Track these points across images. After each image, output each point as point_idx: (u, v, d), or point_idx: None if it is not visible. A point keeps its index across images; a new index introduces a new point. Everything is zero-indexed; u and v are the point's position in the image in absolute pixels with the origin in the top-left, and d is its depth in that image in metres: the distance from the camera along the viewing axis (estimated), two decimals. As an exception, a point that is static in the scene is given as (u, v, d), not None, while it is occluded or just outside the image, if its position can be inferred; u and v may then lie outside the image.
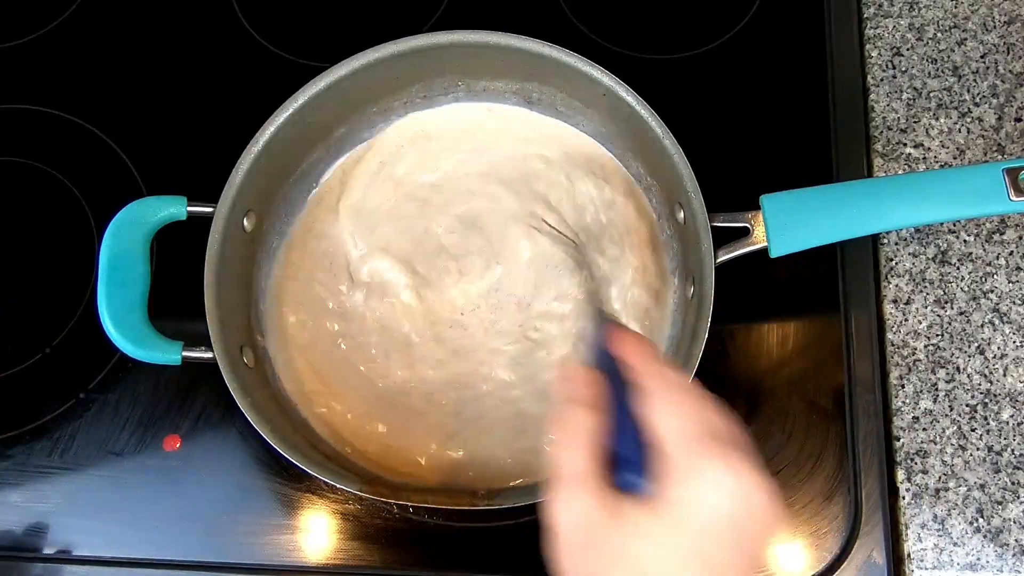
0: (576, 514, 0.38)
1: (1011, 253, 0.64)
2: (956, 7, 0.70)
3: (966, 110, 0.67)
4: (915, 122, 0.67)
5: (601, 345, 0.43)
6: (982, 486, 0.59)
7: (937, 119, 0.67)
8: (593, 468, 0.38)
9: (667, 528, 0.36)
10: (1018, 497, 0.59)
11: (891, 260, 0.64)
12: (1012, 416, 0.60)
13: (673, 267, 0.62)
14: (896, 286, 0.63)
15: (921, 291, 0.63)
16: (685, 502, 0.36)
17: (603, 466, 0.39)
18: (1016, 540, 0.58)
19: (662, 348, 0.60)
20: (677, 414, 0.38)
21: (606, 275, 0.61)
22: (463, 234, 0.63)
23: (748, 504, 0.37)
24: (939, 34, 0.69)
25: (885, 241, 0.65)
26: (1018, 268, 0.63)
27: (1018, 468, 0.59)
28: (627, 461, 0.38)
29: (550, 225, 0.61)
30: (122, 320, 0.55)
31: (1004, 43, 0.69)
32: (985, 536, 0.58)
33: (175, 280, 0.58)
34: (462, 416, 0.60)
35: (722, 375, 0.62)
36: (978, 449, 0.60)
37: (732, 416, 0.40)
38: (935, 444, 0.60)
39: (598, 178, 0.63)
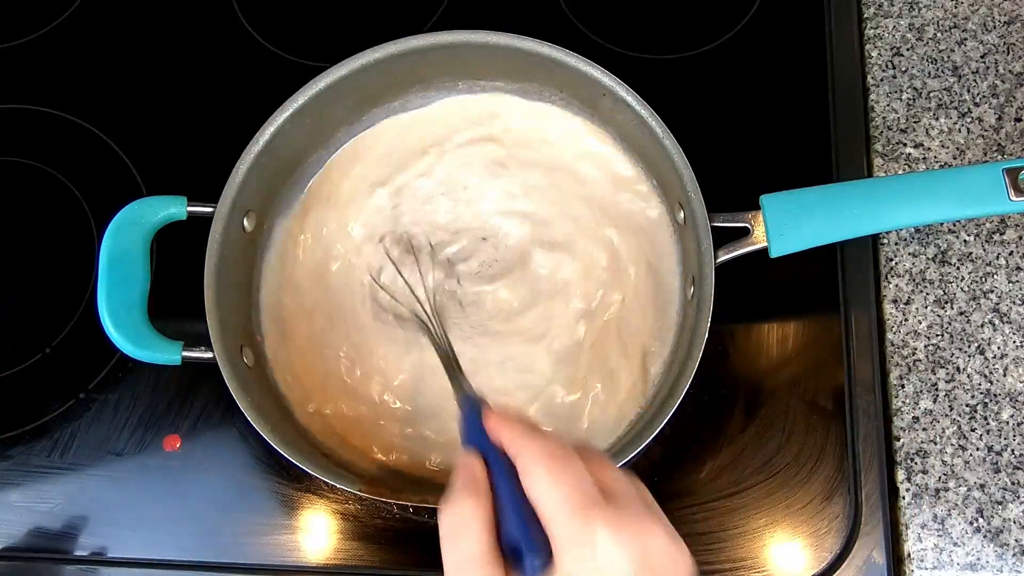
0: None
1: (1011, 253, 0.64)
2: (956, 7, 0.70)
3: (966, 110, 0.67)
4: (915, 122, 0.67)
5: (479, 427, 0.43)
6: (982, 486, 0.59)
7: (937, 119, 0.67)
8: (488, 556, 0.38)
9: None
10: (1018, 497, 0.59)
11: (891, 260, 0.64)
12: (1012, 416, 0.60)
13: (673, 267, 0.62)
14: (896, 286, 0.63)
15: (921, 291, 0.63)
16: (575, 573, 0.36)
17: (495, 551, 0.38)
18: (1016, 540, 0.58)
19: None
20: (554, 485, 0.38)
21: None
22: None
23: (643, 563, 0.36)
24: (939, 34, 0.69)
25: (885, 241, 0.65)
26: (1018, 268, 0.63)
27: (1018, 468, 0.59)
28: (519, 541, 0.38)
29: None
30: (122, 320, 0.55)
31: (1004, 43, 0.69)
32: (985, 536, 0.58)
33: (175, 280, 0.58)
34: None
35: (722, 375, 0.62)
36: (978, 449, 0.60)
37: (622, 473, 0.40)
38: (935, 444, 0.60)
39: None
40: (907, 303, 0.63)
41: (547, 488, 0.38)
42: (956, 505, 0.59)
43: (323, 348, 0.61)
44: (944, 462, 0.60)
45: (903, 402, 0.61)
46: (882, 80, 0.68)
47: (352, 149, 0.65)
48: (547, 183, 0.63)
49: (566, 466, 0.38)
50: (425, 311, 0.57)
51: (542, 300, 0.61)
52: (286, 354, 0.61)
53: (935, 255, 0.64)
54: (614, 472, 0.40)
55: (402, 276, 0.60)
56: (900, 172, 0.66)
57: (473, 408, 0.45)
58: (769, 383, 0.62)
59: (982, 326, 0.62)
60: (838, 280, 0.64)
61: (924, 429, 0.60)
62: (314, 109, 0.60)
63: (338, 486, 0.53)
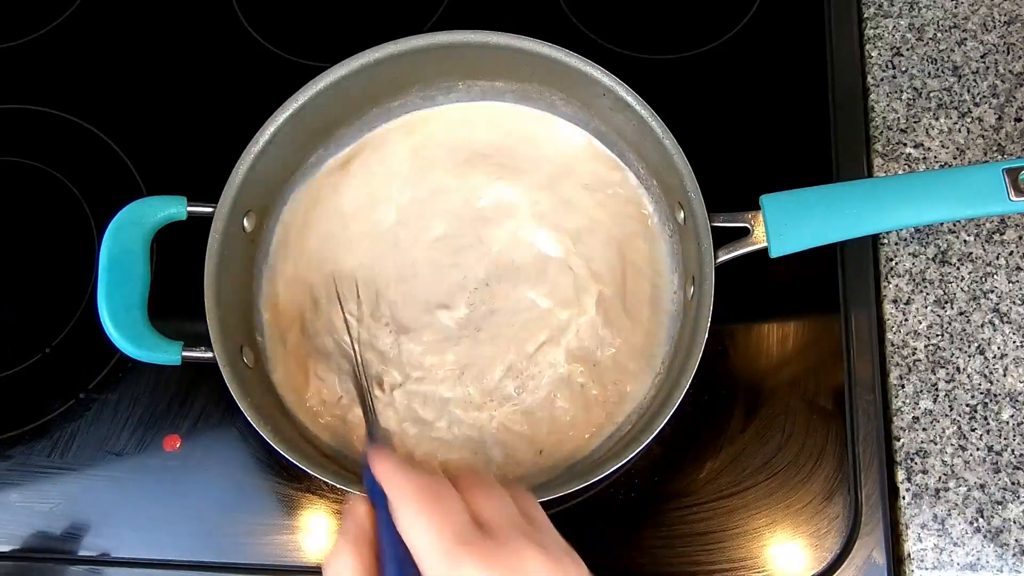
0: None
1: (1011, 253, 0.64)
2: (956, 7, 0.70)
3: (966, 110, 0.67)
4: (915, 122, 0.67)
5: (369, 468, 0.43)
6: (982, 486, 0.59)
7: (937, 119, 0.67)
8: None
9: None
10: (1018, 497, 0.59)
11: (891, 260, 0.64)
12: (1012, 416, 0.60)
13: (673, 267, 0.62)
14: (896, 286, 0.63)
15: (921, 291, 0.63)
16: None
17: None
18: (1016, 540, 0.58)
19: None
20: (423, 524, 0.37)
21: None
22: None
23: None
24: (939, 34, 0.69)
25: (885, 241, 0.65)
26: (1018, 268, 0.63)
27: (1018, 468, 0.59)
28: None
29: None
30: (122, 320, 0.55)
31: (1004, 43, 0.69)
32: (985, 536, 0.58)
33: (175, 280, 0.58)
34: (457, 415, 0.60)
35: (722, 375, 0.62)
36: (978, 449, 0.60)
37: (505, 499, 0.38)
38: (935, 444, 0.60)
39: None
40: (907, 303, 0.63)
41: (415, 527, 0.37)
42: (956, 505, 0.59)
43: (323, 347, 0.61)
44: (944, 462, 0.60)
45: (903, 402, 0.61)
46: (882, 80, 0.68)
47: (354, 149, 0.65)
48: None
49: (436, 503, 0.37)
50: (351, 339, 0.57)
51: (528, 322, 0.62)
52: (287, 354, 0.61)
53: (935, 255, 0.64)
54: (494, 498, 0.38)
55: (340, 304, 0.60)
56: (900, 172, 0.66)
57: (371, 441, 0.45)
58: (769, 383, 0.62)
59: (982, 326, 0.62)
60: (838, 280, 0.64)
61: (924, 429, 0.60)
62: (314, 109, 0.60)
63: (338, 486, 0.53)
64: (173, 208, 0.58)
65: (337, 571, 0.39)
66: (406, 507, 0.38)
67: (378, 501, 0.40)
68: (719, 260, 0.56)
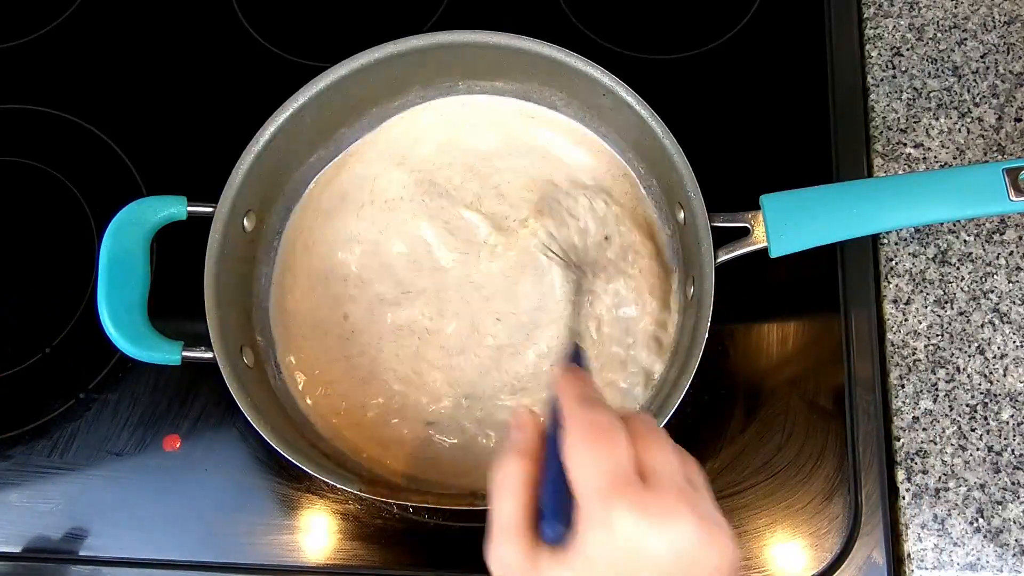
0: (503, 566, 0.38)
1: (1011, 253, 0.64)
2: (956, 7, 0.70)
3: (966, 110, 0.67)
4: (915, 122, 0.67)
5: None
6: (982, 486, 0.59)
7: (937, 119, 0.67)
8: (523, 519, 0.38)
9: None
10: (1018, 497, 0.59)
11: (891, 260, 0.64)
12: (1012, 416, 0.60)
13: (673, 267, 0.62)
14: (896, 286, 0.63)
15: (921, 291, 0.63)
16: (590, 553, 0.36)
17: (529, 515, 0.38)
18: (1016, 540, 0.58)
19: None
20: (588, 461, 0.37)
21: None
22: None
23: (665, 552, 0.35)
24: (939, 34, 0.69)
25: (885, 241, 0.65)
26: (1018, 268, 0.63)
27: (1018, 468, 0.59)
28: (552, 511, 0.38)
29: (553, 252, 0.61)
30: (122, 320, 0.55)
31: (1004, 43, 0.69)
32: (985, 536, 0.58)
33: (175, 280, 0.58)
34: (460, 414, 0.60)
35: (722, 375, 0.62)
36: (978, 449, 0.60)
37: (672, 452, 0.38)
38: (935, 444, 0.60)
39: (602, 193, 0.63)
40: (907, 303, 0.63)
41: (581, 463, 0.37)
42: (956, 505, 0.59)
43: (324, 346, 0.61)
44: (944, 462, 0.60)
45: (903, 402, 0.61)
46: (882, 80, 0.68)
47: (354, 149, 0.65)
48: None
49: (605, 443, 0.38)
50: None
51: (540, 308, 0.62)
52: (287, 353, 0.61)
53: (935, 255, 0.64)
54: (661, 451, 0.38)
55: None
56: (900, 172, 0.66)
57: (567, 358, 0.44)
58: (769, 383, 0.62)
59: (982, 326, 0.62)
60: (838, 280, 0.64)
61: (924, 429, 0.60)
62: (314, 109, 0.60)
63: (338, 486, 0.53)
64: (173, 208, 0.58)
65: (504, 479, 0.39)
66: (578, 439, 0.38)
67: (552, 423, 0.40)
68: (719, 260, 0.56)
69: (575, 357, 0.46)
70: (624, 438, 0.38)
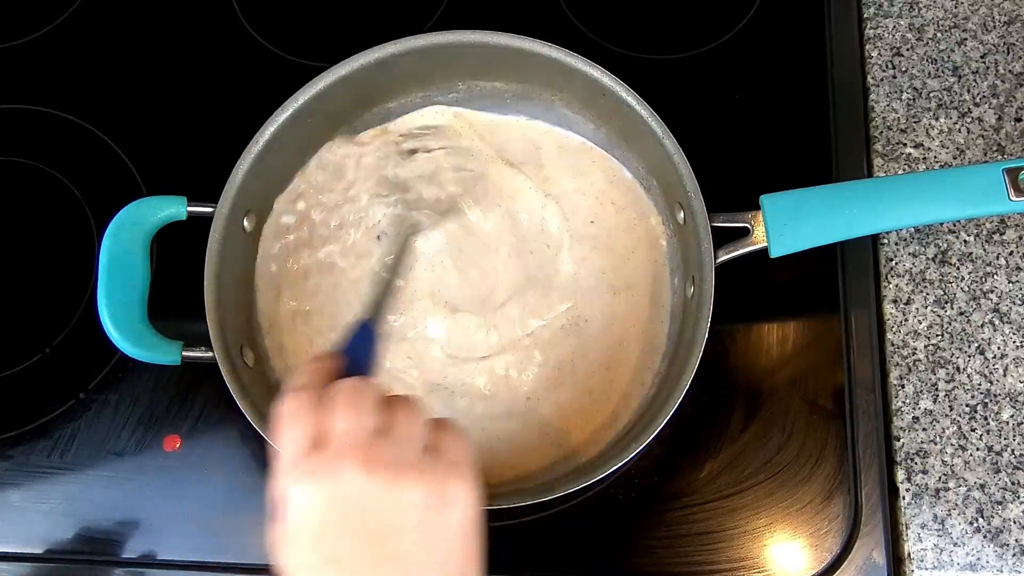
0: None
1: (1011, 253, 0.64)
2: (956, 7, 0.70)
3: (966, 110, 0.67)
4: (915, 122, 0.67)
5: None
6: (982, 486, 0.59)
7: (937, 119, 0.67)
8: None
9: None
10: (1018, 497, 0.59)
11: (891, 260, 0.64)
12: (1012, 416, 0.60)
13: (673, 267, 0.62)
14: (896, 286, 0.63)
15: (921, 291, 0.63)
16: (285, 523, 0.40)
17: None
18: (1016, 540, 0.58)
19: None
20: (279, 440, 0.41)
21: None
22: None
23: (328, 503, 0.38)
24: (939, 34, 0.69)
25: (885, 241, 0.65)
26: (1018, 268, 0.63)
27: (1018, 468, 0.59)
28: None
29: None
30: (122, 320, 0.55)
31: (1004, 43, 0.69)
32: (985, 536, 0.58)
33: (175, 280, 0.58)
34: (461, 414, 0.60)
35: (722, 375, 0.62)
36: (978, 449, 0.60)
37: (359, 413, 0.40)
38: (935, 444, 0.60)
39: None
40: (907, 303, 0.63)
41: (277, 442, 0.41)
42: (956, 505, 0.59)
43: (323, 347, 0.61)
44: (944, 462, 0.60)
45: (903, 402, 0.61)
46: (882, 80, 0.68)
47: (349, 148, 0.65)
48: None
49: (293, 420, 0.41)
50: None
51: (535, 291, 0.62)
52: (287, 353, 0.61)
53: (935, 255, 0.64)
54: (348, 414, 0.40)
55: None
56: (900, 172, 0.66)
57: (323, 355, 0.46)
58: (769, 383, 0.62)
59: (982, 326, 0.62)
60: (838, 280, 0.64)
61: (924, 429, 0.60)
62: (314, 109, 0.60)
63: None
64: (173, 208, 0.58)
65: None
66: (277, 422, 0.41)
67: None
68: (719, 260, 0.56)
69: (359, 341, 0.47)
70: (309, 413, 0.41)
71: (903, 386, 0.61)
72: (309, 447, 0.40)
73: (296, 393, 0.42)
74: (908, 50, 0.69)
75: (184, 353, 0.55)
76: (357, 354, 0.46)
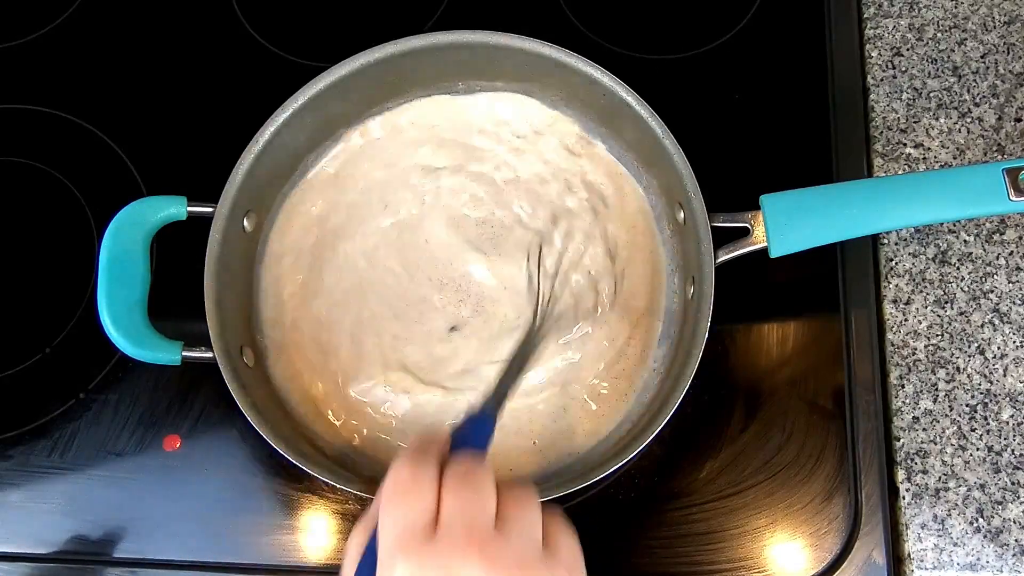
0: None
1: (1011, 253, 0.64)
2: (956, 7, 0.70)
3: (966, 110, 0.67)
4: (915, 122, 0.67)
5: None
6: (982, 486, 0.59)
7: (937, 119, 0.67)
8: None
9: None
10: (1018, 497, 0.59)
11: (891, 260, 0.64)
12: (1012, 416, 0.60)
13: (673, 267, 0.62)
14: (896, 286, 0.63)
15: (921, 291, 0.63)
16: None
17: None
18: (1016, 540, 0.58)
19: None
20: (385, 518, 0.38)
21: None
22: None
23: None
24: (939, 34, 0.69)
25: (885, 241, 0.65)
26: (1018, 268, 0.63)
27: (1018, 468, 0.59)
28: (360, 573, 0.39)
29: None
30: (122, 320, 0.55)
31: (1004, 43, 0.69)
32: (985, 536, 0.58)
33: (175, 280, 0.58)
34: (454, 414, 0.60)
35: (722, 375, 0.62)
36: (978, 449, 0.60)
37: (474, 499, 0.38)
38: (935, 444, 0.60)
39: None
40: (907, 303, 0.63)
41: (382, 519, 0.38)
42: (956, 505, 0.59)
43: (325, 346, 0.61)
44: (944, 462, 0.60)
45: (903, 402, 0.61)
46: (882, 80, 0.68)
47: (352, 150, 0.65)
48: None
49: (403, 499, 0.38)
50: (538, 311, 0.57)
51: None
52: (287, 353, 0.61)
53: (935, 255, 0.64)
54: (464, 500, 0.38)
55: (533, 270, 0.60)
56: (900, 172, 0.66)
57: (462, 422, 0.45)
58: (769, 383, 0.62)
59: (982, 326, 0.62)
60: (838, 280, 0.64)
61: (924, 429, 0.60)
62: (314, 109, 0.60)
63: (338, 486, 0.53)
64: (173, 208, 0.58)
65: (348, 546, 0.41)
66: (383, 499, 0.39)
67: None
68: (719, 260, 0.56)
69: (476, 430, 0.45)
70: (426, 490, 0.38)
71: (903, 386, 0.61)
72: (421, 528, 0.37)
73: (408, 464, 0.39)
74: (908, 50, 0.69)
75: (184, 353, 0.55)
76: (471, 442, 0.44)
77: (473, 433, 0.45)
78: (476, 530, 0.37)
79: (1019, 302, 0.63)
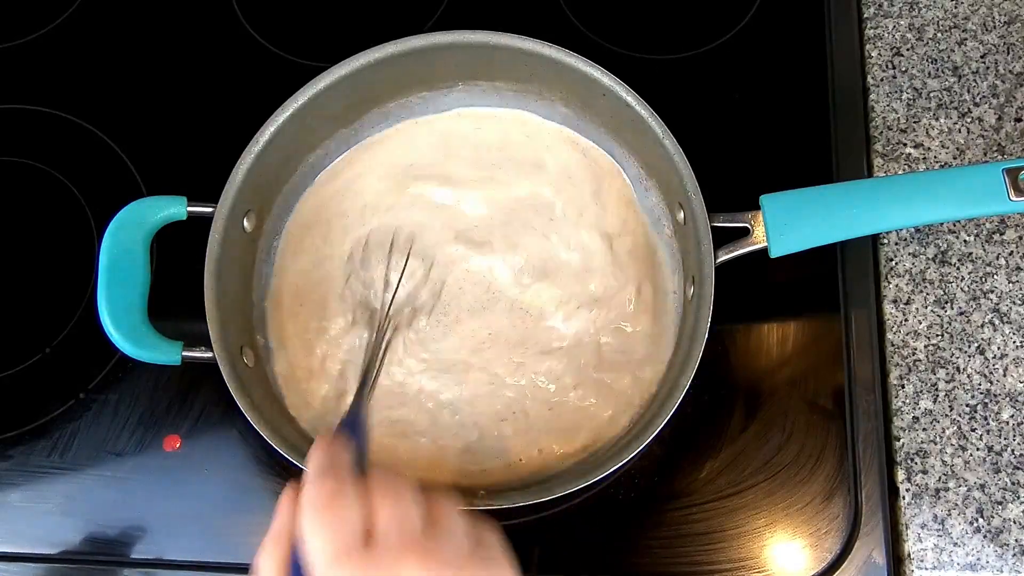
0: None
1: (1011, 253, 0.64)
2: (956, 7, 0.70)
3: (966, 110, 0.67)
4: (915, 122, 0.67)
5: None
6: (982, 486, 0.59)
7: (937, 119, 0.67)
8: None
9: None
10: (1018, 497, 0.59)
11: (891, 260, 0.64)
12: (1012, 416, 0.60)
13: (673, 267, 0.62)
14: (896, 286, 0.63)
15: (921, 291, 0.63)
16: None
17: None
18: (1016, 540, 0.58)
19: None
20: (316, 530, 0.37)
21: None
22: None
23: None
24: (939, 34, 0.69)
25: (885, 241, 0.65)
26: (1018, 268, 0.63)
27: (1018, 468, 0.59)
28: None
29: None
30: (122, 320, 0.55)
31: (1004, 43, 0.69)
32: (985, 536, 0.58)
33: (175, 280, 0.58)
34: (461, 412, 0.60)
35: (722, 375, 0.62)
36: (978, 449, 0.60)
37: (406, 505, 0.38)
38: (935, 444, 0.60)
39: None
40: (907, 303, 0.63)
41: (310, 533, 0.38)
42: (956, 505, 0.59)
43: (325, 347, 0.61)
44: (944, 462, 0.60)
45: (903, 402, 0.61)
46: (882, 80, 0.68)
47: (355, 152, 0.65)
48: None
49: (333, 511, 0.38)
50: (383, 307, 0.58)
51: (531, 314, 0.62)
52: (287, 353, 0.61)
53: (935, 255, 0.64)
54: (395, 508, 0.38)
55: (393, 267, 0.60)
56: (900, 172, 0.66)
57: (342, 424, 0.45)
58: (769, 383, 0.62)
59: (982, 326, 0.62)
60: (838, 280, 0.64)
61: (924, 429, 0.60)
62: (314, 109, 0.60)
63: (338, 486, 0.53)
64: (173, 208, 0.58)
65: (258, 567, 0.40)
66: (306, 511, 0.38)
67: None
68: (719, 260, 0.56)
69: (350, 422, 0.45)
70: (354, 502, 0.38)
71: (903, 386, 0.61)
72: (357, 541, 0.37)
73: (331, 478, 0.39)
74: (908, 50, 0.69)
75: (184, 353, 0.55)
76: (354, 433, 0.44)
77: (353, 424, 0.45)
78: (411, 535, 0.37)
79: (1019, 302, 0.63)
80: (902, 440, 0.60)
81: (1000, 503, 0.59)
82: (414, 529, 0.38)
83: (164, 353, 0.55)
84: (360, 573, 0.36)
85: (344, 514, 0.38)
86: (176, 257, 0.61)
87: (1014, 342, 0.62)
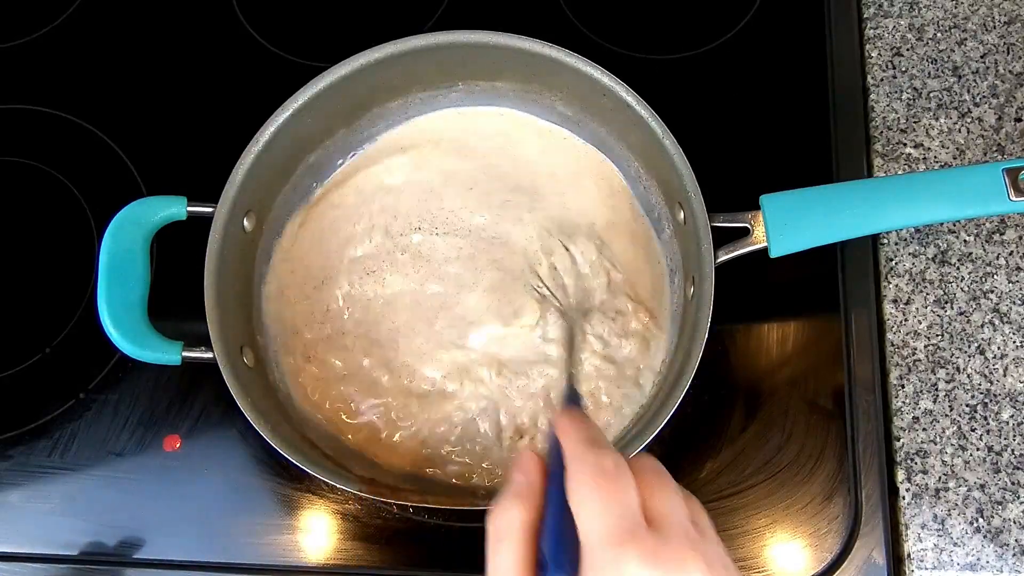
0: None
1: (1011, 253, 0.64)
2: (956, 7, 0.70)
3: (966, 110, 0.67)
4: (915, 122, 0.67)
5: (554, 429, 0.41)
6: (982, 486, 0.59)
7: (937, 119, 0.67)
8: (523, 569, 0.37)
9: None
10: (1018, 497, 0.59)
11: (891, 260, 0.64)
12: (1012, 416, 0.60)
13: (673, 267, 0.62)
14: (896, 286, 0.63)
15: (921, 291, 0.63)
16: None
17: (529, 563, 0.37)
18: (1016, 540, 0.58)
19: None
20: (594, 509, 0.36)
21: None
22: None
23: None
24: (939, 34, 0.69)
25: (885, 241, 0.65)
26: (1018, 268, 0.63)
27: (1018, 468, 0.59)
28: (555, 560, 0.36)
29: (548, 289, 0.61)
30: (122, 320, 0.55)
31: (1004, 43, 0.69)
32: (985, 536, 0.58)
33: (175, 280, 0.58)
34: (461, 412, 0.60)
35: (722, 375, 0.62)
36: (978, 449, 0.60)
37: (678, 496, 0.38)
38: (935, 444, 0.60)
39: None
40: (907, 303, 0.63)
41: (588, 510, 0.36)
42: (956, 505, 0.59)
43: (325, 346, 0.61)
44: (944, 462, 0.60)
45: (903, 402, 0.61)
46: (882, 80, 0.68)
47: (361, 155, 0.65)
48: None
49: (612, 490, 0.36)
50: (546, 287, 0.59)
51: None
52: (287, 353, 0.61)
53: (935, 255, 0.64)
54: (668, 495, 0.38)
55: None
56: (900, 172, 0.66)
57: (566, 400, 0.44)
58: (769, 383, 0.62)
59: (982, 326, 0.62)
60: (838, 280, 0.64)
61: (924, 429, 0.60)
62: (314, 109, 0.60)
63: (338, 486, 0.53)
64: (173, 208, 0.58)
65: (504, 526, 0.38)
66: (584, 484, 0.37)
67: (554, 465, 0.39)
68: (719, 260, 0.56)
69: (572, 399, 0.45)
70: (632, 482, 0.37)
71: (903, 386, 0.61)
72: (638, 522, 0.36)
73: (601, 452, 0.37)
74: (908, 50, 0.69)
75: (184, 353, 0.55)
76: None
77: (578, 405, 0.44)
78: (690, 532, 0.37)
79: (1019, 302, 0.63)
80: (902, 440, 0.60)
81: (1000, 503, 0.59)
82: (690, 527, 0.37)
83: (164, 353, 0.55)
84: (647, 558, 0.35)
85: (626, 492, 0.36)
86: (176, 257, 0.61)
87: (1014, 342, 0.62)
